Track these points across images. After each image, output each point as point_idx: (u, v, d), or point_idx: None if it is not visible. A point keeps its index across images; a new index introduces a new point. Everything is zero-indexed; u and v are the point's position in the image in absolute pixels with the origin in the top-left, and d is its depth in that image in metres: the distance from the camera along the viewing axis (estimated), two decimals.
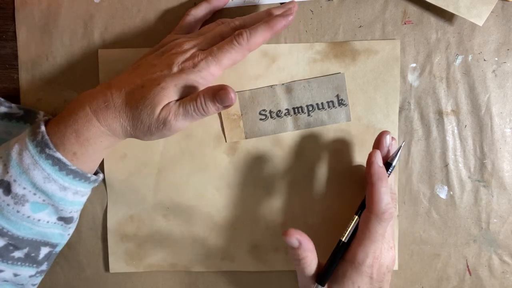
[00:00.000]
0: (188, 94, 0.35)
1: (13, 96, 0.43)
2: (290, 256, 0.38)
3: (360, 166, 0.42)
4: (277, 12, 0.38)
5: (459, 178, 0.42)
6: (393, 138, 0.39)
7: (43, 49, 0.42)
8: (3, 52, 0.43)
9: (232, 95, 0.34)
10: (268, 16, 0.37)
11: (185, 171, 0.43)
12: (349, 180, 0.42)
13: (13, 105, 0.41)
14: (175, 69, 0.35)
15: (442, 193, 0.42)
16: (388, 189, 0.36)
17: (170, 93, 0.35)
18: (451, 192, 0.42)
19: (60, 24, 0.42)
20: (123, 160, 0.43)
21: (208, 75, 0.36)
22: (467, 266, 0.43)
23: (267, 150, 0.42)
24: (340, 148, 0.42)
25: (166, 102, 0.35)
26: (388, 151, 0.38)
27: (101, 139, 0.36)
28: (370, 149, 0.42)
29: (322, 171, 0.42)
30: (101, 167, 0.43)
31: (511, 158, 0.42)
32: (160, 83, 0.35)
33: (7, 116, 0.41)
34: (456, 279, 0.43)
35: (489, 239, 0.42)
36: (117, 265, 0.44)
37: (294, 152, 0.42)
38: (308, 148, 0.42)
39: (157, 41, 0.42)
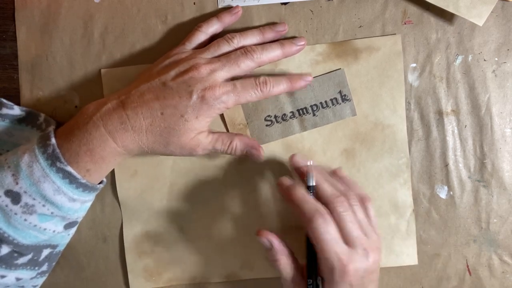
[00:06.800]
0: (207, 124, 0.37)
1: (13, 96, 0.43)
2: (267, 256, 0.38)
3: (371, 164, 0.42)
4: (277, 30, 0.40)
5: (459, 178, 0.42)
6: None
7: (43, 49, 0.42)
8: (3, 52, 0.43)
9: (262, 156, 0.39)
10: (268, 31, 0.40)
11: (197, 183, 0.43)
12: (361, 179, 0.42)
13: (15, 106, 0.41)
14: (194, 96, 0.35)
15: (442, 193, 0.42)
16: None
17: (193, 125, 0.36)
18: (451, 192, 0.42)
19: (60, 24, 0.42)
20: (134, 177, 0.43)
21: (225, 108, 0.37)
22: (467, 266, 0.43)
23: (276, 155, 0.42)
24: (350, 148, 0.42)
25: (191, 135, 0.36)
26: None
27: (115, 157, 0.36)
28: (380, 147, 0.41)
29: None
30: (113, 184, 0.43)
31: (511, 158, 0.42)
32: (184, 115, 0.35)
33: (8, 117, 0.41)
34: (456, 279, 0.43)
35: (489, 239, 0.42)
36: (136, 282, 0.43)
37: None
38: (317, 150, 0.42)
39: (157, 42, 0.42)
